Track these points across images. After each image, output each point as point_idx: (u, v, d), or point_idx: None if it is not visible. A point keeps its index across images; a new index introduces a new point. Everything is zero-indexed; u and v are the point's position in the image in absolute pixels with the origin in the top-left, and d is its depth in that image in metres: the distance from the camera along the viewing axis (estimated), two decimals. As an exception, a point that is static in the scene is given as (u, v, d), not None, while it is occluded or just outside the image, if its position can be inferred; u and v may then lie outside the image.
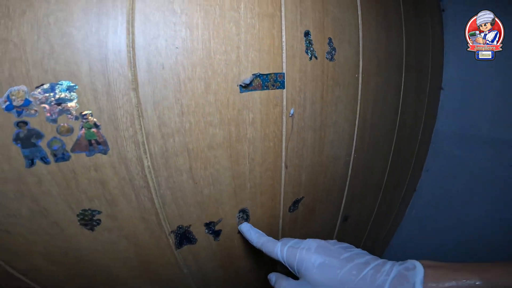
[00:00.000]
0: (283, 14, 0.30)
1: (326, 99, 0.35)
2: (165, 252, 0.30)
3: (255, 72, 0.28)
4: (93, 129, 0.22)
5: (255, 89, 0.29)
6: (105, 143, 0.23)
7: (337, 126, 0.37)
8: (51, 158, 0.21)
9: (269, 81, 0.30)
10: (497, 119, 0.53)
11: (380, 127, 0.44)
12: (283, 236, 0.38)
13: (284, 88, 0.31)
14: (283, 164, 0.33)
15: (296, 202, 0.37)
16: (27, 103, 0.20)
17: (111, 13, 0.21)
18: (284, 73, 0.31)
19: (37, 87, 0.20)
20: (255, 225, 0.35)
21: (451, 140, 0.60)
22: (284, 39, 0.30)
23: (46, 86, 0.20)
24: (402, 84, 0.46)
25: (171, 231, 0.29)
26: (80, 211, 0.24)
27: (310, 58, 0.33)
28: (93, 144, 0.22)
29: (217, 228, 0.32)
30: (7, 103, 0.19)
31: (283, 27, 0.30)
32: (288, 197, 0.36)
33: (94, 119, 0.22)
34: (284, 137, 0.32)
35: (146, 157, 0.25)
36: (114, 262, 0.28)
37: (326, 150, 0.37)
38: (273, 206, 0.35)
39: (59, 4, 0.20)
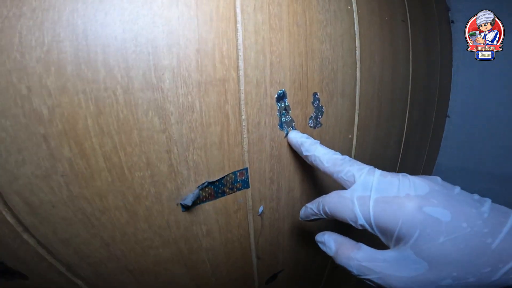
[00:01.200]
0: (241, 73, 0.18)
1: (308, 182, 0.25)
2: None
3: (202, 181, 0.19)
4: None
5: (205, 201, 0.20)
6: (19, 273, 0.15)
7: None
8: None
9: (225, 185, 0.20)
10: (502, 154, 0.45)
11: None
12: None
13: (248, 187, 0.20)
14: (253, 255, 0.27)
15: (274, 276, 0.34)
16: None
17: None
18: (247, 168, 0.20)
19: None
20: None
21: (454, 175, 0.52)
22: (244, 117, 0.19)
23: None
24: (405, 128, 0.35)
25: None
26: None
27: (286, 134, 0.22)
28: (7, 274, 0.15)
29: None
30: None
31: (242, 96, 0.19)
32: (264, 275, 0.31)
33: None
34: (252, 236, 0.24)
35: (79, 279, 0.17)
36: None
37: (308, 226, 0.31)
38: (246, 285, 0.31)
39: None
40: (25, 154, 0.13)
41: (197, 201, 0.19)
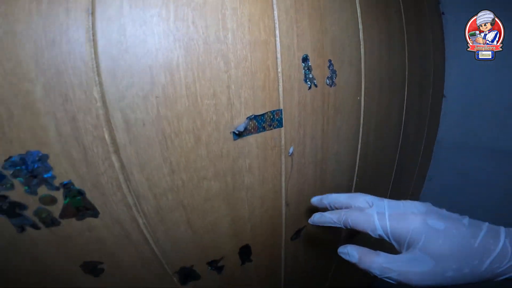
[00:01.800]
0: (277, 39, 0.25)
1: (327, 132, 0.30)
2: None
3: (249, 114, 0.24)
4: (78, 197, 0.18)
5: (250, 133, 0.24)
6: (93, 208, 0.19)
7: (339, 156, 0.32)
8: (41, 225, 0.18)
9: (265, 121, 0.25)
10: (499, 128, 0.48)
11: (383, 147, 0.39)
12: (286, 264, 0.37)
13: (282, 126, 0.26)
14: (283, 202, 0.30)
15: (298, 231, 0.35)
16: (0, 178, 0.16)
17: (71, 59, 0.16)
18: (281, 110, 0.26)
19: (6, 161, 0.16)
20: (256, 255, 0.32)
21: (453, 150, 0.55)
22: (280, 70, 0.25)
23: (15, 158, 0.16)
24: (405, 99, 0.41)
25: (175, 272, 0.26)
26: (82, 263, 0.21)
27: (310, 87, 0.28)
28: (82, 210, 0.19)
29: (219, 264, 0.29)
30: None
31: (279, 55, 0.25)
32: (290, 229, 0.33)
33: (77, 187, 0.18)
34: (283, 177, 0.28)
35: (140, 216, 0.21)
36: None
37: (328, 181, 0.33)
38: (274, 239, 0.32)
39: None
40: (135, 79, 0.18)
41: (245, 132, 0.23)
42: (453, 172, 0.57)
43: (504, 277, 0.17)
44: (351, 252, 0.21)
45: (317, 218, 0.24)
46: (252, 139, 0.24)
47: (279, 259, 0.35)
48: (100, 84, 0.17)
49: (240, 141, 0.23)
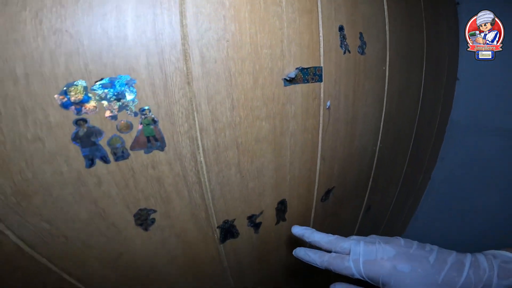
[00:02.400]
0: (319, 9, 0.28)
1: (357, 92, 0.32)
2: (210, 248, 0.28)
3: (298, 66, 0.27)
4: (152, 126, 0.19)
5: (297, 83, 0.27)
6: (162, 139, 0.20)
7: (366, 118, 0.34)
8: (111, 157, 0.19)
9: (309, 74, 0.28)
10: (510, 110, 0.49)
11: (403, 117, 0.41)
12: (314, 225, 0.37)
13: (322, 81, 0.28)
14: (319, 155, 0.32)
15: (328, 192, 0.36)
16: (86, 99, 0.17)
17: (165, 4, 0.19)
18: (322, 67, 0.28)
19: (97, 82, 0.17)
20: (291, 214, 0.33)
21: (465, 130, 0.56)
22: (321, 34, 0.28)
23: (105, 81, 0.17)
24: (423, 76, 0.43)
25: (217, 226, 0.27)
26: (137, 211, 0.21)
27: (344, 52, 0.31)
28: (151, 140, 0.20)
29: (257, 220, 0.30)
30: (65, 99, 0.16)
31: (320, 22, 0.28)
32: (322, 188, 0.34)
33: (152, 115, 0.19)
34: (321, 129, 0.30)
35: (199, 153, 0.22)
36: (164, 262, 0.25)
37: (356, 142, 0.35)
38: (308, 197, 0.33)
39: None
40: (212, 25, 0.21)
41: (293, 81, 0.25)
42: (464, 152, 0.58)
43: None
44: None
45: (301, 254, 0.27)
46: (298, 88, 0.26)
47: (309, 220, 0.35)
48: (185, 25, 0.19)
49: (288, 88, 0.26)
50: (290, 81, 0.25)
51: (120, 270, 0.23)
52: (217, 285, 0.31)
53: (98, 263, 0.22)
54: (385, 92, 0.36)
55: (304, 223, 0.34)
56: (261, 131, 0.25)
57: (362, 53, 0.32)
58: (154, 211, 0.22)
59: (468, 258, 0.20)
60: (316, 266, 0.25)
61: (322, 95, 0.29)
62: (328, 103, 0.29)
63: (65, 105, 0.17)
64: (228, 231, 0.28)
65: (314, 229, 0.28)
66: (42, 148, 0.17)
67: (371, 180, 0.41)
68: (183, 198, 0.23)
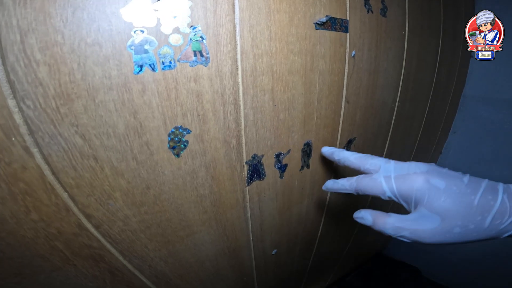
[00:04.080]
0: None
1: (379, 48, 0.33)
2: (236, 188, 0.26)
3: (327, 14, 0.29)
4: (200, 42, 0.21)
5: (326, 29, 0.29)
6: (207, 55, 0.21)
7: (387, 73, 0.35)
8: (158, 66, 0.19)
9: (336, 24, 0.30)
10: None
11: (421, 82, 0.41)
12: (337, 177, 0.37)
13: (347, 32, 0.30)
14: (343, 98, 0.33)
15: (349, 142, 0.36)
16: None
17: None
18: (348, 20, 0.30)
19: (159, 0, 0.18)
20: (315, 160, 0.33)
21: (478, 103, 0.55)
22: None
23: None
24: (440, 47, 0.44)
25: (246, 161, 0.26)
26: (172, 129, 0.21)
27: (368, 12, 0.32)
28: (197, 55, 0.21)
29: (284, 161, 0.30)
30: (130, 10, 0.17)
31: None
32: (344, 135, 0.34)
33: (201, 33, 0.21)
34: (346, 74, 0.32)
35: (238, 73, 0.23)
36: (189, 203, 0.24)
37: (377, 94, 0.35)
38: (331, 142, 0.34)
39: None
40: None
41: (323, 26, 0.28)
42: (477, 125, 0.56)
43: (508, 234, 0.17)
44: (365, 216, 0.22)
45: (330, 185, 0.25)
46: (327, 33, 0.29)
47: (330, 170, 0.36)
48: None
49: (318, 32, 0.28)
50: (321, 25, 0.28)
51: (144, 211, 0.21)
52: (237, 241, 0.30)
53: (122, 200, 0.20)
54: (404, 54, 0.37)
55: (326, 173, 0.35)
56: (294, 64, 0.27)
57: (384, 15, 0.34)
58: (189, 131, 0.22)
59: (501, 185, 0.18)
60: (346, 192, 0.23)
61: (348, 44, 0.30)
62: (353, 52, 0.31)
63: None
64: (255, 169, 0.28)
65: (343, 149, 0.26)
66: (99, 52, 0.17)
67: (388, 139, 0.41)
68: (218, 119, 0.23)
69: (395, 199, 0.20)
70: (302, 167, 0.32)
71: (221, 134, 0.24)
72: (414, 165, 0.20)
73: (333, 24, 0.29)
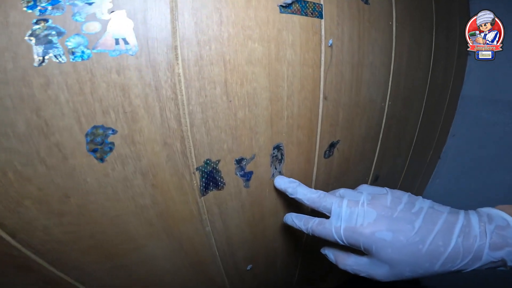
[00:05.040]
0: None
1: (363, 39, 0.28)
2: (188, 199, 0.21)
3: (296, -4, 0.24)
4: (123, 28, 0.16)
5: (294, 13, 0.24)
6: (134, 43, 0.17)
7: (374, 67, 0.29)
8: (67, 56, 0.15)
9: (307, 8, 0.24)
10: None
11: (414, 79, 0.36)
12: (316, 187, 0.31)
13: (322, 18, 0.25)
14: (321, 95, 0.27)
15: (332, 146, 0.29)
16: (55, 2, 0.15)
17: None
18: (322, 5, 0.25)
19: None
20: (289, 167, 0.27)
21: (478, 104, 0.49)
22: None
23: None
24: (433, 43, 0.38)
25: (197, 168, 0.21)
26: (90, 129, 0.16)
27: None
28: (121, 43, 0.16)
29: (248, 168, 0.24)
30: (31, 2, 0.14)
31: None
32: (325, 137, 0.28)
33: (126, 18, 0.16)
34: (322, 66, 0.26)
35: (178, 63, 0.18)
36: (127, 214, 0.19)
37: (363, 90, 0.29)
38: (309, 146, 0.27)
39: None
40: None
41: (289, 10, 0.23)
42: (477, 127, 0.50)
43: (466, 271, 0.17)
44: (328, 254, 0.23)
45: (289, 221, 0.25)
46: (295, 18, 0.23)
47: (310, 179, 0.29)
48: None
49: (284, 15, 0.23)
50: (286, 7, 0.23)
51: (68, 221, 0.17)
52: (200, 256, 0.25)
53: (36, 209, 0.16)
54: (393, 48, 0.31)
55: (304, 182, 0.28)
56: (254, 53, 0.22)
57: (366, 2, 0.29)
58: (114, 131, 0.17)
59: (459, 221, 0.17)
60: (301, 230, 0.23)
61: (323, 32, 0.25)
62: (330, 41, 0.25)
63: (31, 7, 0.14)
64: (210, 177, 0.22)
65: (299, 183, 0.24)
66: (-8, 44, 0.13)
67: (379, 142, 0.34)
68: (154, 118, 0.18)
69: (346, 245, 0.20)
70: (273, 175, 0.26)
71: (158, 135, 0.19)
72: (362, 214, 0.20)
73: (302, 7, 0.24)
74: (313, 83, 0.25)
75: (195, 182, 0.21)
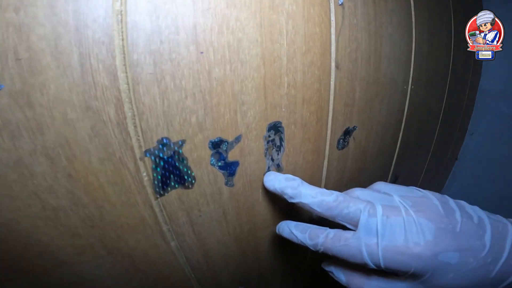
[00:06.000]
0: None
1: (379, 6, 0.22)
2: (134, 199, 0.14)
3: None
4: None
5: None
6: None
7: (394, 41, 0.23)
8: None
9: None
10: None
11: (437, 62, 0.30)
12: (327, 185, 0.22)
13: None
14: (333, 64, 0.20)
15: (347, 133, 0.22)
16: None
17: None
18: None
19: None
20: (291, 158, 0.20)
21: (498, 98, 0.43)
22: None
23: None
24: (452, 26, 0.33)
25: (146, 151, 0.13)
26: None
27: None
28: None
29: (231, 156, 0.16)
30: None
31: None
32: (338, 120, 0.21)
33: None
34: (333, 28, 0.20)
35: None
36: (31, 219, 0.12)
37: (382, 66, 0.23)
38: (317, 129, 0.20)
39: None
40: None
41: None
42: (496, 124, 0.44)
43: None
44: (336, 273, 0.16)
45: (286, 233, 0.17)
46: None
47: (319, 174, 0.21)
48: None
49: None
50: None
51: None
52: (166, 278, 0.17)
53: None
54: (413, 23, 0.26)
55: (311, 180, 0.20)
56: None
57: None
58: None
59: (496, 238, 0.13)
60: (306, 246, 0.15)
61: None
62: (341, 0, 0.20)
63: None
64: (170, 166, 0.14)
65: (301, 180, 0.16)
66: None
67: (401, 134, 0.27)
68: (68, 68, 0.11)
69: (379, 269, 0.14)
70: (268, 168, 0.18)
71: (75, 94, 0.12)
72: (414, 226, 0.13)
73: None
74: (321, 46, 0.19)
75: (144, 173, 0.14)
